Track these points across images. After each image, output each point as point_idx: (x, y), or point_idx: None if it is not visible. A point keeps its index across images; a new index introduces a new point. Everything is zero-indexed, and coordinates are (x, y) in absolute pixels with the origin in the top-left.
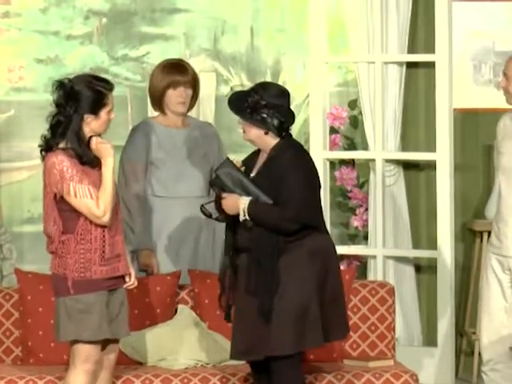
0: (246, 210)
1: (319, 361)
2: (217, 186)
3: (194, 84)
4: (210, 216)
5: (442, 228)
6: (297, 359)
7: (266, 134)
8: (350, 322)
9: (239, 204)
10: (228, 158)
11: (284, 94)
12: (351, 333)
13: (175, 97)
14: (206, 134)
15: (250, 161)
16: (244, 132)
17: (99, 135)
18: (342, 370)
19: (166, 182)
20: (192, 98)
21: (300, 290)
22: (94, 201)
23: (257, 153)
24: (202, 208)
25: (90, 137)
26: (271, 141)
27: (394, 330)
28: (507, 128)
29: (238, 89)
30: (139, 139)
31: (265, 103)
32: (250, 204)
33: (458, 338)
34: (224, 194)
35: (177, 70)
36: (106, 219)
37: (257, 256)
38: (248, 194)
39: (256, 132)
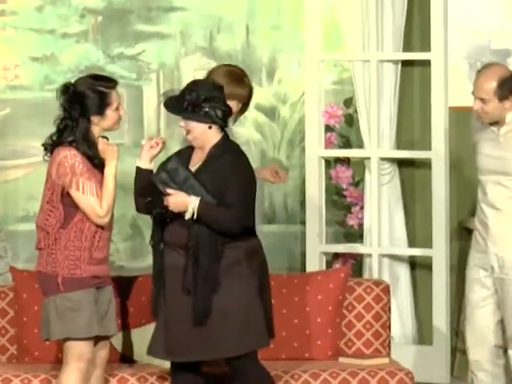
0: (195, 210)
1: (314, 359)
2: (162, 181)
3: None
4: (150, 213)
5: (438, 226)
6: (254, 354)
7: (210, 128)
8: (346, 320)
9: (188, 203)
10: (178, 155)
11: (218, 87)
12: (346, 331)
13: None
14: None
15: (182, 155)
16: (188, 132)
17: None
18: (337, 368)
19: None
20: None
21: (242, 291)
22: (96, 202)
23: (190, 148)
24: (148, 205)
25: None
26: (214, 137)
27: (389, 328)
28: (480, 126)
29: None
30: None
31: (204, 97)
32: (201, 204)
33: (453, 336)
34: (170, 191)
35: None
36: (106, 220)
37: (195, 254)
38: (193, 192)
39: (201, 128)
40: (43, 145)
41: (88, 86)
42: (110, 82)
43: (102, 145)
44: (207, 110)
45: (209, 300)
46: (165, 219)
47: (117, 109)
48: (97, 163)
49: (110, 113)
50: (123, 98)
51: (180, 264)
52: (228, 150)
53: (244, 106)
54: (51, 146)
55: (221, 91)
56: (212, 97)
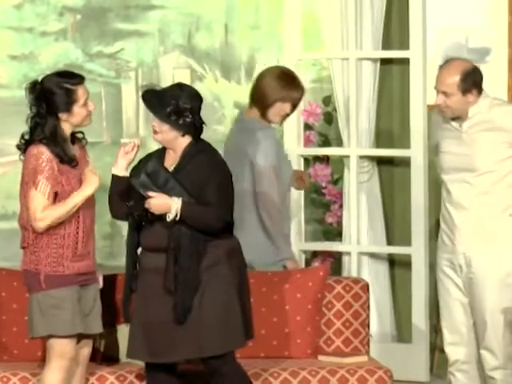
0: (179, 210)
1: (293, 357)
2: (143, 185)
3: None
4: (128, 217)
5: (417, 224)
6: (231, 354)
7: (183, 135)
8: (325, 318)
9: (171, 204)
10: (156, 157)
11: (200, 97)
12: (326, 329)
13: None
14: None
15: (154, 157)
16: (159, 133)
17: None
18: (316, 366)
19: None
20: None
21: (222, 290)
22: (43, 203)
23: (161, 149)
24: (131, 209)
25: (73, 133)
26: (185, 141)
27: (368, 326)
28: (442, 124)
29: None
30: None
31: (189, 107)
32: (183, 204)
33: (432, 333)
34: (152, 193)
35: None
36: (40, 225)
37: (176, 254)
38: (174, 194)
39: (174, 134)
40: (17, 146)
41: (54, 83)
42: (76, 78)
43: (88, 170)
44: (189, 120)
45: (190, 299)
46: (141, 223)
47: (84, 104)
48: (67, 160)
49: (77, 109)
50: (101, 96)
51: (160, 266)
52: (202, 149)
53: (294, 108)
54: (24, 146)
55: (201, 101)
56: (195, 107)
